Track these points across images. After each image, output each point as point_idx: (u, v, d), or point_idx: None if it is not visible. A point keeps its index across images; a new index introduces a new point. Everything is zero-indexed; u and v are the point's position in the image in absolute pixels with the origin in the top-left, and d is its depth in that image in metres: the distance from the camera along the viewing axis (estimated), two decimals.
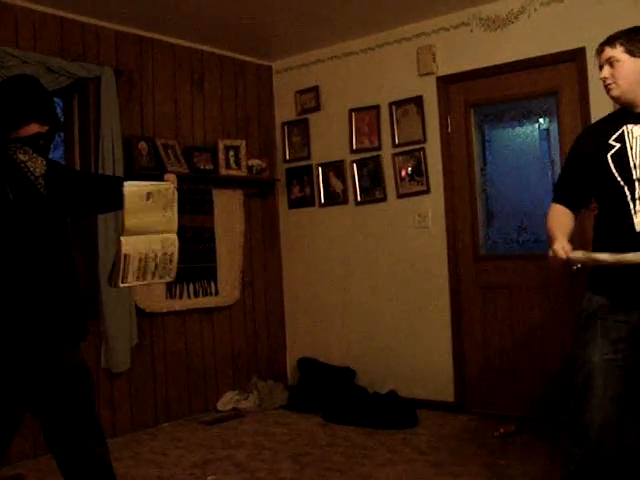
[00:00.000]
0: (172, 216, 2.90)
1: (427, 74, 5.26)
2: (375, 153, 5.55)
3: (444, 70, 5.20)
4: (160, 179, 2.96)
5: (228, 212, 5.63)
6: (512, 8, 4.86)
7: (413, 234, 5.37)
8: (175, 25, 5.14)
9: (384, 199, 5.52)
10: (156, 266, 2.91)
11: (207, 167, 5.47)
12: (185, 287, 5.26)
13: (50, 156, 2.86)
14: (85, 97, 4.87)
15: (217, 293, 5.52)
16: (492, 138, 5.20)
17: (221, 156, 5.55)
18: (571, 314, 4.70)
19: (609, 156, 2.61)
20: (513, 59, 4.87)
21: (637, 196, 2.53)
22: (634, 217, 2.53)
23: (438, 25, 5.20)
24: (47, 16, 4.63)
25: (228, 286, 5.61)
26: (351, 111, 5.67)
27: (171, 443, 4.70)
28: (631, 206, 2.54)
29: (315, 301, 5.95)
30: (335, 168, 5.78)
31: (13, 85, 2.77)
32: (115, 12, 4.80)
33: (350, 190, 5.70)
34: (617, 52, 2.65)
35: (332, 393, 5.35)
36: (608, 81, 2.67)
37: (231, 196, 5.67)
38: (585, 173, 2.73)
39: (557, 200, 2.88)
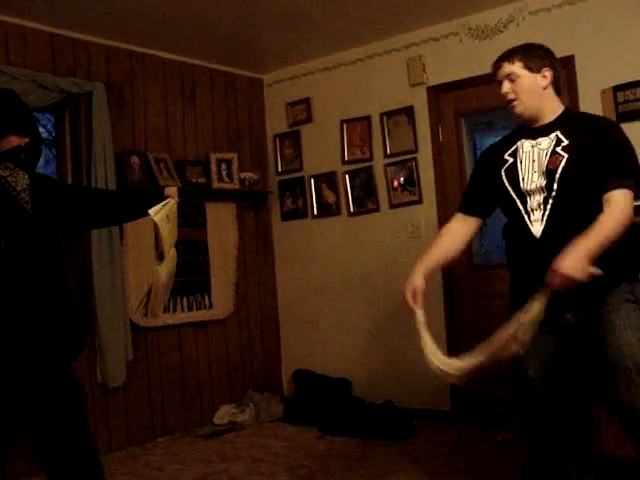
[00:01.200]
0: (175, 229, 2.95)
1: (417, 84, 5.28)
2: (367, 164, 5.56)
3: (434, 80, 5.23)
4: (156, 192, 2.98)
5: (221, 225, 5.63)
6: (501, 17, 4.89)
7: (406, 244, 5.37)
8: (165, 39, 5.15)
9: (377, 210, 5.53)
10: (170, 282, 2.95)
11: (199, 181, 5.47)
12: (179, 301, 5.23)
13: (42, 171, 2.82)
14: (76, 112, 4.87)
15: (211, 306, 5.51)
16: (483, 146, 5.20)
17: (213, 169, 5.56)
18: None
19: (502, 171, 2.76)
20: None
21: (529, 207, 2.66)
22: (531, 226, 2.65)
23: (428, 35, 5.23)
24: (38, 32, 4.64)
25: (222, 299, 5.60)
26: (342, 122, 5.69)
27: (167, 458, 4.68)
28: (526, 218, 2.67)
29: (310, 312, 5.94)
30: (327, 179, 5.79)
31: None
32: (105, 27, 4.81)
33: (343, 201, 5.71)
34: (516, 67, 2.74)
35: (328, 404, 5.33)
36: (510, 97, 2.76)
37: (224, 209, 5.67)
38: (486, 186, 2.88)
39: (461, 209, 3.01)
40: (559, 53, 4.55)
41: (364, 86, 5.58)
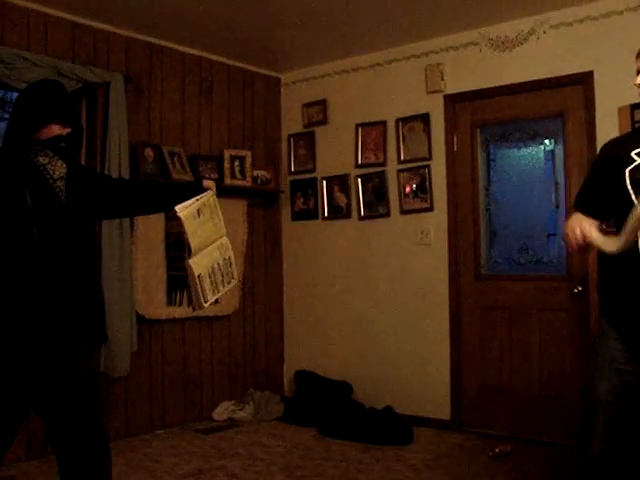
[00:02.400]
0: (219, 221, 2.97)
1: (435, 92, 5.28)
2: (380, 168, 5.56)
3: (452, 88, 5.22)
4: (195, 184, 3.01)
5: (231, 222, 5.61)
6: (522, 30, 4.89)
7: (415, 251, 5.37)
8: (186, 34, 5.16)
9: (387, 215, 5.52)
10: (222, 274, 2.96)
11: (212, 176, 5.47)
12: (185, 295, 5.25)
13: None
14: (93, 102, 4.89)
15: (216, 302, 5.47)
16: (497, 158, 5.21)
17: (226, 166, 5.57)
18: (570, 336, 4.70)
19: (627, 170, 2.44)
20: (521, 80, 4.89)
21: None
22: None
23: (447, 44, 5.22)
24: (59, 20, 4.66)
25: (228, 295, 5.58)
26: (358, 126, 5.69)
27: (165, 451, 4.69)
28: None
29: (315, 314, 5.94)
30: (340, 182, 5.79)
31: (36, 88, 2.78)
32: (126, 18, 4.83)
33: (354, 204, 5.71)
34: None
35: (328, 407, 5.33)
36: None
37: (235, 206, 5.68)
38: (604, 184, 2.55)
39: (578, 208, 2.63)
40: (578, 68, 4.61)
41: (381, 91, 5.58)
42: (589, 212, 2.57)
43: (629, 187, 2.41)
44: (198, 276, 2.83)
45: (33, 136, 2.65)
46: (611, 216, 2.57)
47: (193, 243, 2.81)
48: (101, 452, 2.66)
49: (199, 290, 2.86)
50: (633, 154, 2.45)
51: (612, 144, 2.64)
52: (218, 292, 2.97)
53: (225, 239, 3.03)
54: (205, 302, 2.89)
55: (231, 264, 3.04)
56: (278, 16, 4.83)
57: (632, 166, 2.43)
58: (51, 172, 2.62)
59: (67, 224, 2.64)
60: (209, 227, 2.92)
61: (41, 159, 2.62)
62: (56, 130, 2.67)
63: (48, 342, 2.55)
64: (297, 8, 4.68)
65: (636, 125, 4.33)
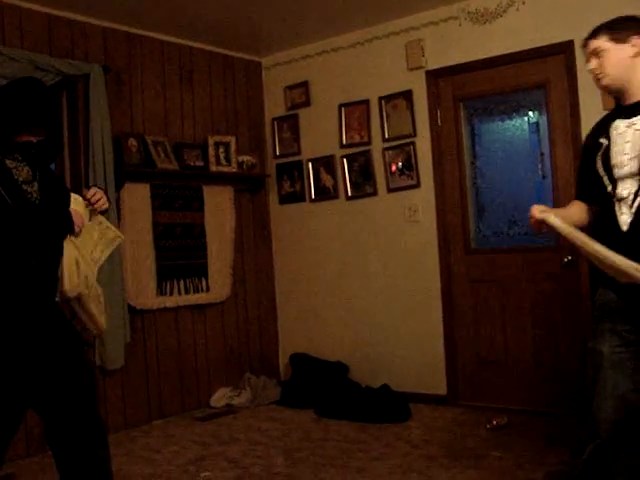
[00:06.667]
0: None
1: (416, 68, 5.26)
2: (365, 148, 5.55)
3: (433, 64, 5.20)
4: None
5: (218, 208, 5.62)
6: (500, 1, 4.87)
7: (404, 228, 5.38)
8: (164, 21, 5.12)
9: (374, 194, 5.52)
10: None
11: (197, 164, 5.46)
12: (176, 284, 5.25)
13: None
14: (74, 94, 4.85)
15: (208, 289, 5.51)
16: (482, 132, 5.21)
17: (211, 152, 5.54)
18: (562, 307, 4.73)
19: (598, 155, 2.56)
20: (502, 52, 4.88)
21: (618, 196, 2.48)
22: (619, 217, 2.46)
23: (427, 19, 5.20)
24: (34, 13, 4.60)
25: (219, 282, 5.60)
26: (341, 106, 5.67)
27: (164, 440, 4.70)
28: (616, 206, 2.48)
29: (307, 296, 5.95)
30: (325, 163, 5.78)
31: (9, 92, 2.67)
32: (103, 8, 4.78)
33: (340, 185, 5.70)
34: (601, 42, 2.58)
35: (325, 388, 5.35)
36: (597, 72, 2.60)
37: (221, 192, 5.66)
38: (586, 170, 2.66)
39: (576, 196, 2.77)
40: (558, 38, 4.60)
41: (363, 70, 5.55)
42: (586, 198, 2.70)
43: (600, 171, 2.54)
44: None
45: (8, 139, 2.60)
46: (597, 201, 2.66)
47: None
48: (99, 442, 2.68)
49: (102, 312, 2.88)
50: (601, 138, 2.57)
51: (591, 131, 2.74)
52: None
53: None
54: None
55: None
56: (256, 0, 4.80)
57: (601, 151, 2.55)
58: (16, 177, 2.58)
59: (44, 223, 2.61)
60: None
61: (8, 162, 2.58)
62: (26, 137, 2.61)
63: (47, 337, 2.57)
64: None
65: None
